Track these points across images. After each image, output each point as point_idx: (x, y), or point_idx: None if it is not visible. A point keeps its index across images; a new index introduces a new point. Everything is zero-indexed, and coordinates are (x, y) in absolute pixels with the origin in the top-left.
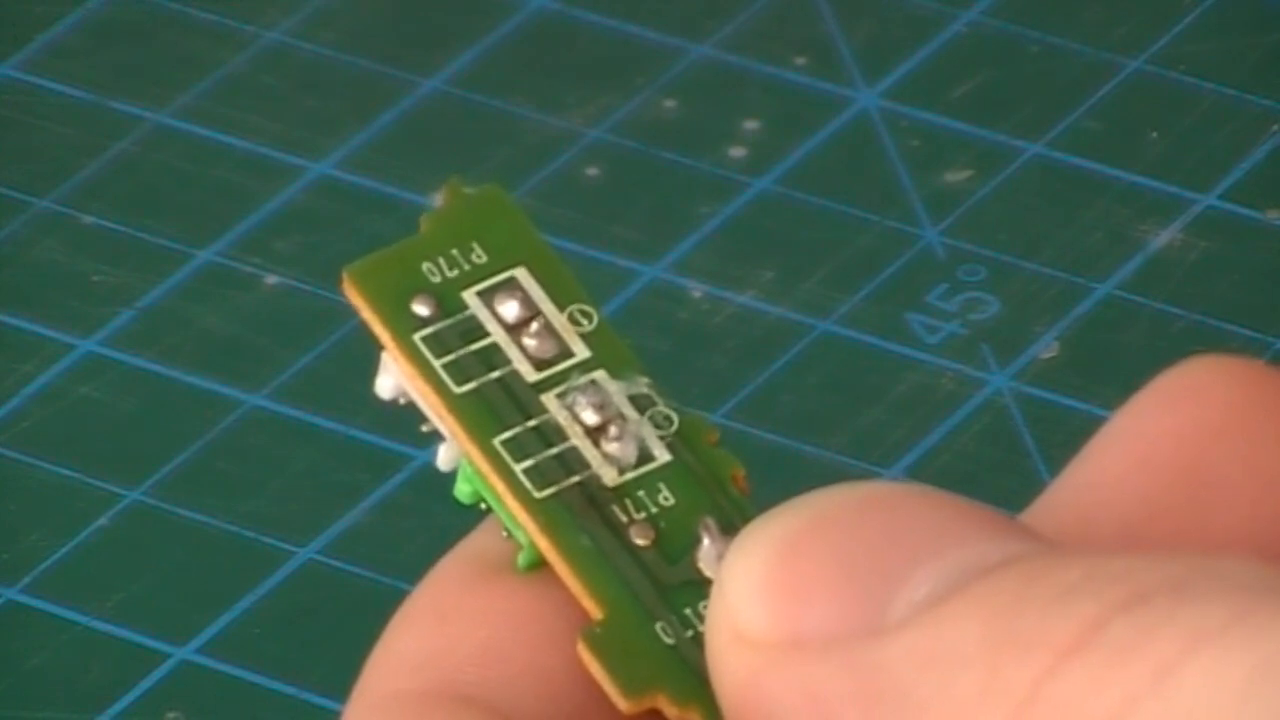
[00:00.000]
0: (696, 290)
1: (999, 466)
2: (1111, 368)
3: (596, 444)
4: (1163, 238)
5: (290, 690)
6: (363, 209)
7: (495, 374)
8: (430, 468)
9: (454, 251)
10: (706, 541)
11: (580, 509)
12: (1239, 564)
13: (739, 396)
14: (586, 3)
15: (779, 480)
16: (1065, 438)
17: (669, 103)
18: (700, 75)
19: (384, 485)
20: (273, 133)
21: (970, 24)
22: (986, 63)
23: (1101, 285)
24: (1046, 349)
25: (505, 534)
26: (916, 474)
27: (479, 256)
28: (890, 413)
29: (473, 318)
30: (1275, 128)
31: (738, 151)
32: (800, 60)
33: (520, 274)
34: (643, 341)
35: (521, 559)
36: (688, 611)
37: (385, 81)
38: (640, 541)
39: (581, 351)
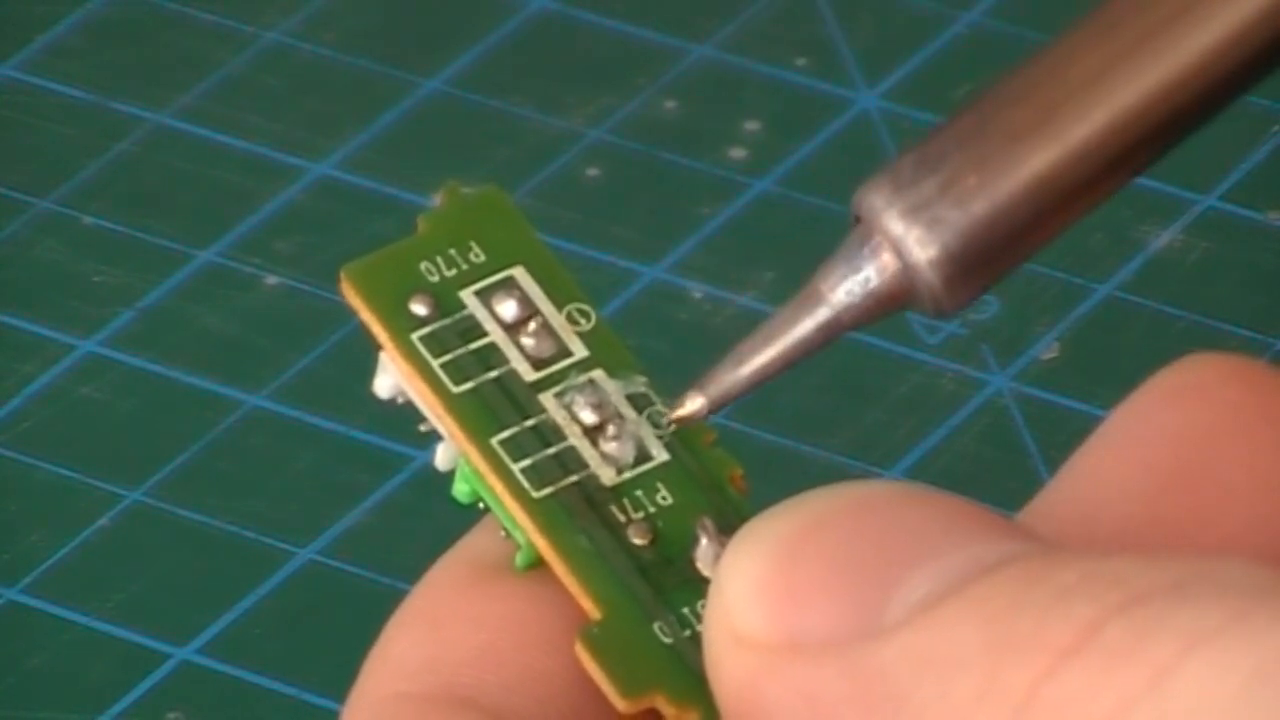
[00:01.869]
0: (697, 291)
1: (999, 467)
2: (1112, 368)
3: (594, 443)
4: (1163, 238)
5: (290, 690)
6: (363, 209)
7: (493, 373)
8: (430, 468)
9: (452, 251)
10: (704, 541)
11: (578, 508)
12: (1236, 566)
13: None
14: (586, 3)
15: (779, 481)
16: (1065, 438)
17: (669, 103)
18: (700, 76)
19: (384, 485)
20: (273, 133)
21: (970, 25)
22: (987, 64)
23: (1102, 286)
24: (1047, 349)
25: (503, 534)
26: (917, 474)
27: (477, 256)
28: (890, 413)
29: (471, 317)
30: (1275, 128)
31: (738, 152)
32: (801, 61)
33: (518, 273)
34: (643, 342)
35: (519, 559)
36: (686, 611)
37: (385, 81)
38: (638, 541)
39: (579, 351)
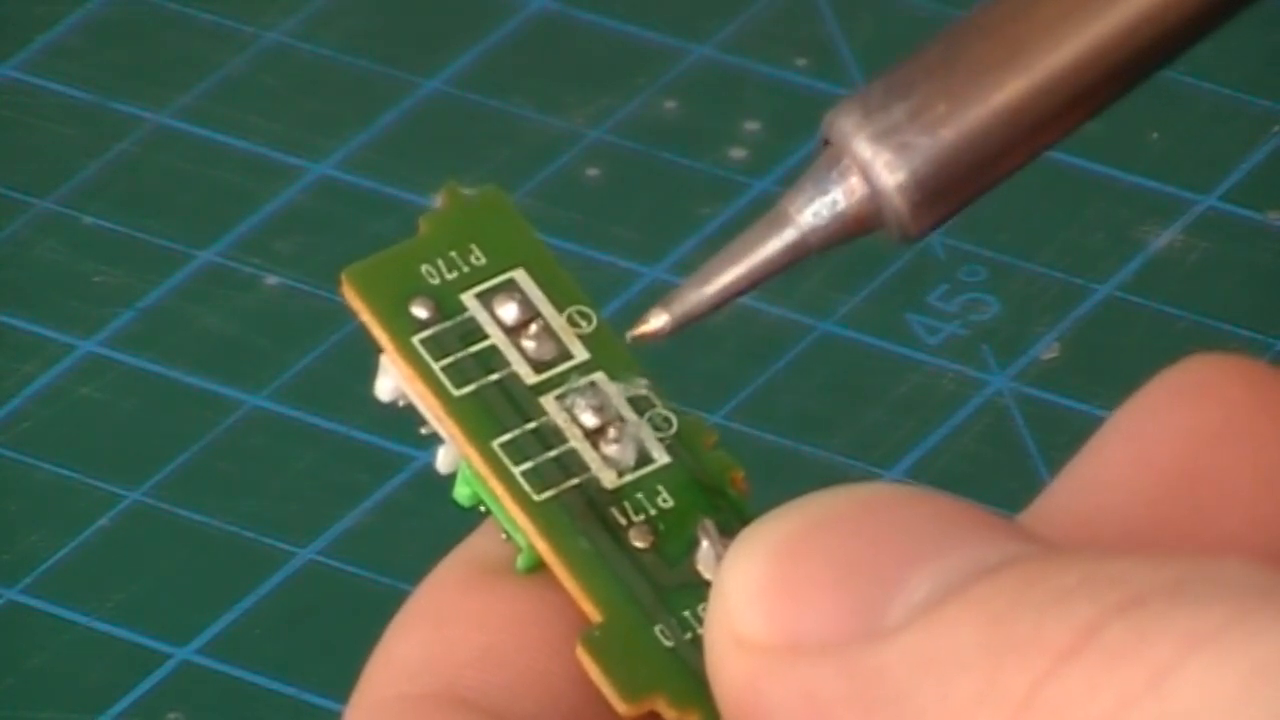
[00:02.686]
0: None
1: (1000, 467)
2: (1112, 368)
3: (595, 446)
4: (1163, 238)
5: (290, 690)
6: (363, 209)
7: (494, 376)
8: (431, 468)
9: (453, 253)
10: (705, 544)
11: (579, 511)
12: (1236, 566)
13: (739, 397)
14: (586, 3)
15: (779, 481)
16: (1066, 438)
17: (669, 103)
18: (700, 76)
19: (384, 485)
20: (273, 133)
21: None
22: None
23: (1102, 286)
24: (1047, 350)
25: (504, 536)
26: (917, 475)
27: (478, 258)
28: (891, 413)
29: (472, 320)
30: (1275, 128)
31: (738, 152)
32: (801, 61)
33: (519, 276)
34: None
35: (520, 561)
36: (687, 614)
37: (385, 81)
38: (639, 544)
39: (580, 353)
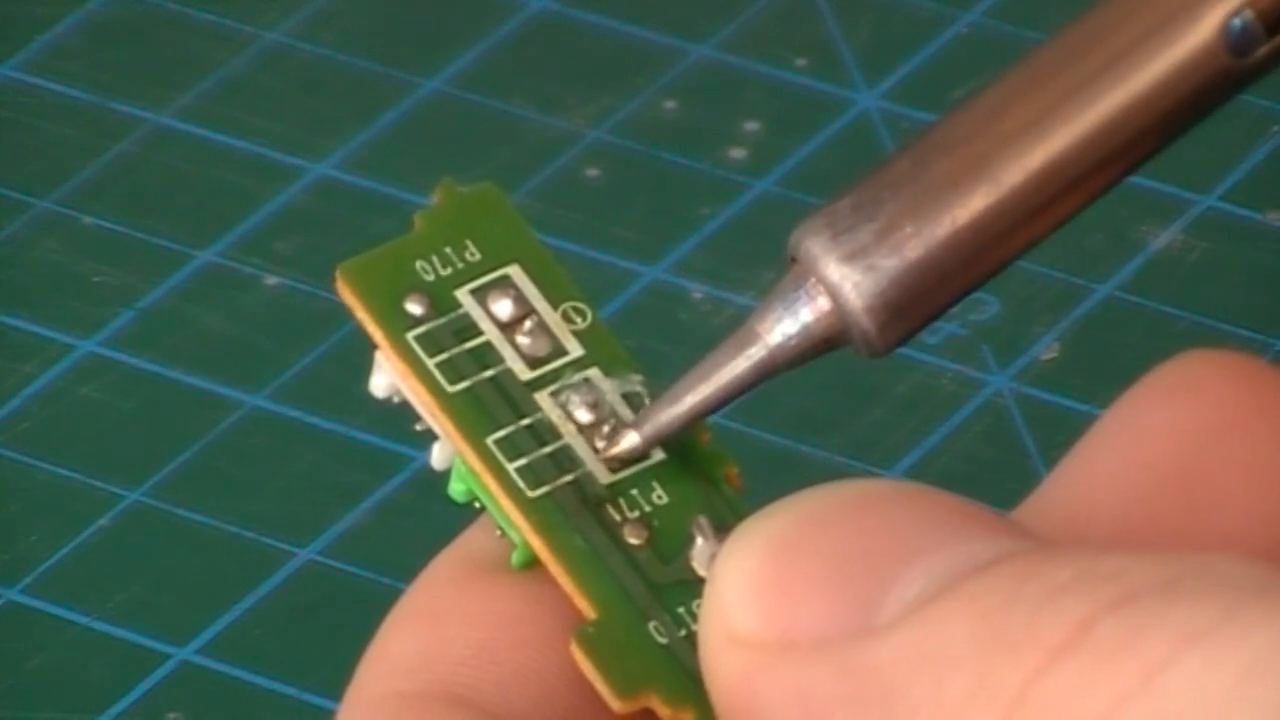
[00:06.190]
0: (697, 291)
1: (999, 467)
2: (1112, 369)
3: (590, 442)
4: (1163, 239)
5: (290, 690)
6: (363, 209)
7: (488, 373)
8: (430, 468)
9: (447, 250)
10: (700, 541)
11: (573, 508)
12: (1229, 563)
13: None
14: (586, 3)
15: (779, 481)
16: (1065, 438)
17: (669, 103)
18: (700, 76)
19: (384, 486)
20: (273, 133)
21: (971, 25)
22: (987, 64)
23: (1101, 286)
24: (1046, 350)
25: (499, 533)
26: (917, 475)
27: (472, 255)
28: (890, 413)
29: (466, 316)
30: (1275, 128)
31: (738, 153)
32: (801, 61)
33: (514, 272)
34: (643, 342)
35: (515, 558)
36: (681, 611)
37: (385, 82)
38: (634, 540)
39: (575, 349)
